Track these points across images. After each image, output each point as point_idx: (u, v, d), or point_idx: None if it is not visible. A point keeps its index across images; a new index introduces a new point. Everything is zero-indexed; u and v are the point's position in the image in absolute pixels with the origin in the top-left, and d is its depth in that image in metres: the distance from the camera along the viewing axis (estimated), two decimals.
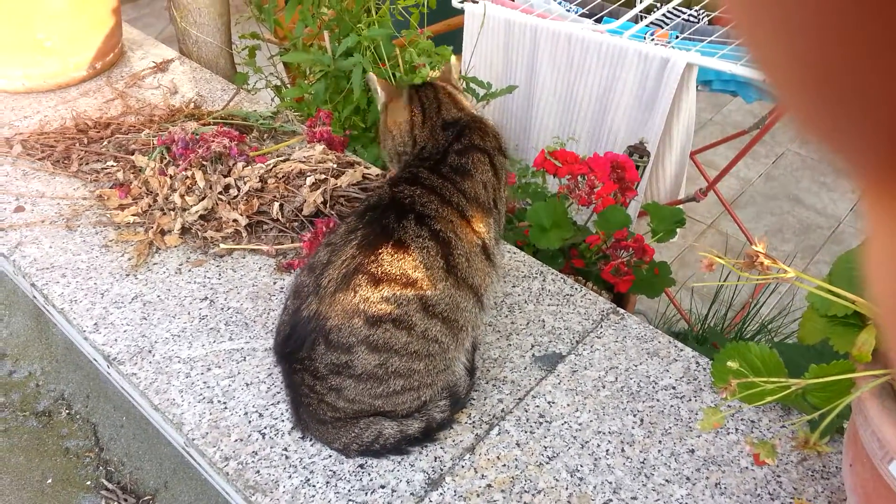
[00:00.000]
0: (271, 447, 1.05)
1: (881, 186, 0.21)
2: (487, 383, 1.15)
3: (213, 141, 1.45)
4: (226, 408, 1.11)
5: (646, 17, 2.18)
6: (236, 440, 1.06)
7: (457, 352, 1.04)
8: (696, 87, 1.99)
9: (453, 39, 2.16)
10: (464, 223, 1.00)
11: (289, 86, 2.05)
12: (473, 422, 1.09)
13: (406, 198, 0.99)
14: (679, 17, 2.25)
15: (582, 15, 2.24)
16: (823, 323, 0.81)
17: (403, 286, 0.94)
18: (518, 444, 1.06)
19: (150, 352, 1.20)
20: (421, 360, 0.99)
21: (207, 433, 1.07)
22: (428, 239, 0.96)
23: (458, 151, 1.05)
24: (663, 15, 2.23)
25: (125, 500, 1.46)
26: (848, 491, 0.85)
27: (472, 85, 1.83)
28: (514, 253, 1.41)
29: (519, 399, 1.13)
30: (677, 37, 2.08)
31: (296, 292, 1.02)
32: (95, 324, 1.25)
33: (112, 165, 1.56)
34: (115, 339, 1.22)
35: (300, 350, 0.98)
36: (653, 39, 2.05)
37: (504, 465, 1.03)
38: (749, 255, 0.75)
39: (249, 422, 1.09)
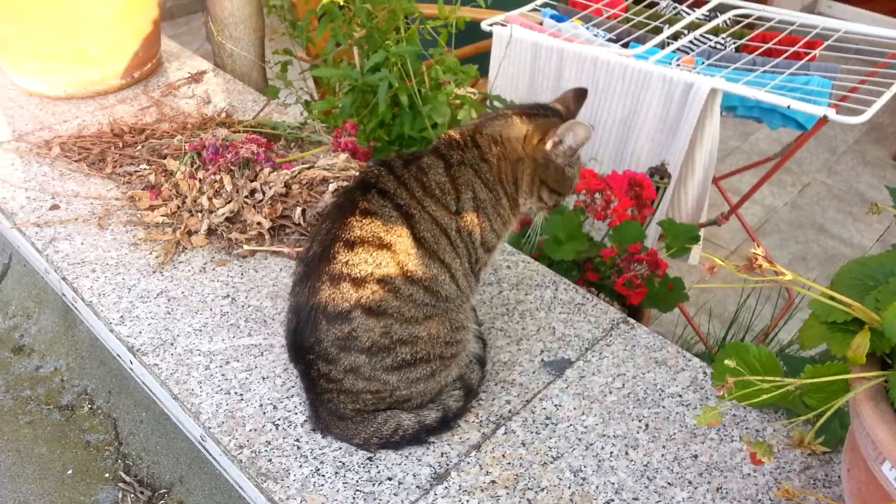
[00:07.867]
0: (284, 437, 1.09)
1: None
2: (496, 385, 1.18)
3: (241, 147, 1.51)
4: (242, 399, 1.15)
5: (672, 43, 2.20)
6: (251, 430, 1.10)
7: (456, 323, 1.07)
8: (721, 112, 2.00)
9: (481, 63, 2.20)
10: (422, 206, 1.05)
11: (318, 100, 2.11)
12: (481, 421, 1.12)
13: (372, 177, 1.06)
14: (706, 43, 2.27)
15: (609, 40, 2.27)
16: (823, 329, 0.82)
17: (377, 248, 1.00)
18: (523, 444, 1.08)
19: (172, 344, 1.24)
20: (421, 325, 1.02)
21: (223, 422, 1.11)
22: (392, 209, 1.03)
23: (431, 149, 1.11)
24: (690, 42, 2.25)
25: (141, 492, 1.50)
26: (846, 496, 0.85)
27: (495, 103, 1.87)
28: (528, 263, 1.44)
29: (526, 401, 1.15)
30: (703, 62, 2.10)
31: (293, 286, 1.08)
32: (122, 316, 1.30)
33: (144, 168, 1.62)
34: (140, 332, 1.27)
35: (310, 337, 1.01)
36: (678, 65, 2.07)
37: (509, 464, 1.05)
38: (748, 257, 0.77)
39: (264, 413, 1.12)
